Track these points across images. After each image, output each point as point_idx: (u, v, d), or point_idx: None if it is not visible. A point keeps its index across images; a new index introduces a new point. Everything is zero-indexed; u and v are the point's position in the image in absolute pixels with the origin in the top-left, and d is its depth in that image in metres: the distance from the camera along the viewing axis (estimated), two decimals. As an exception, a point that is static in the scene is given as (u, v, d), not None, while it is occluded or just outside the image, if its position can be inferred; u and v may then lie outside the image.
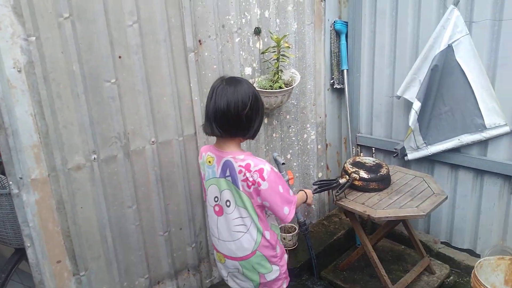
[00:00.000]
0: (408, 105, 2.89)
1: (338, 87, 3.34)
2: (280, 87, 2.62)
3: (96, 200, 2.15)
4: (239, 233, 1.84)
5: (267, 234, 1.86)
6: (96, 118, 2.06)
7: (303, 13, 2.98)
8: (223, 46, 2.52)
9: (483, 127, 2.64)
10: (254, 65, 2.72)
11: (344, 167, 2.80)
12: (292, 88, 2.71)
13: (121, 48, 2.07)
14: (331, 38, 3.23)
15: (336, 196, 2.58)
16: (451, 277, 2.87)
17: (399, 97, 2.97)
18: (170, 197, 2.48)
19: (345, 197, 2.61)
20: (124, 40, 2.07)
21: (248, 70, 2.69)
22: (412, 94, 2.82)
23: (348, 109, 3.36)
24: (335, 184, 2.60)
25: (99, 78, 2.03)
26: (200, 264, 2.75)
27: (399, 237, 3.27)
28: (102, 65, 2.02)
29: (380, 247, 3.18)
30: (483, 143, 2.71)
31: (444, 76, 2.69)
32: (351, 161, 2.84)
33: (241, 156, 1.75)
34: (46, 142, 1.91)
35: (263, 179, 1.69)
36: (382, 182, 2.69)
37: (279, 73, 2.65)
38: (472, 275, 2.11)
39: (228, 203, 1.82)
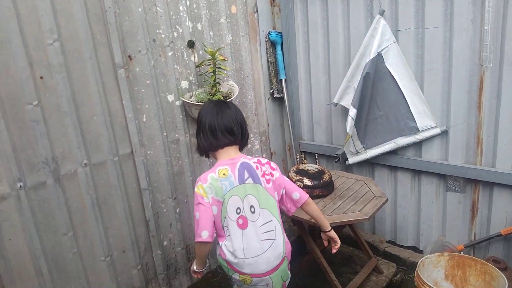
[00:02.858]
0: (345, 111, 2.95)
1: (278, 96, 3.37)
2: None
3: (26, 230, 2.01)
4: (269, 241, 1.88)
5: (285, 237, 1.97)
6: (19, 144, 1.93)
7: (237, 25, 2.98)
8: (155, 60, 2.45)
9: (416, 130, 2.75)
10: (191, 78, 2.68)
11: (288, 175, 2.81)
12: (231, 100, 2.70)
13: (42, 68, 1.96)
14: (267, 48, 3.26)
15: (281, 205, 2.58)
16: (398, 275, 2.95)
17: (335, 104, 3.03)
18: (110, 221, 2.38)
19: (291, 206, 2.62)
20: (45, 59, 1.96)
21: (184, 84, 2.64)
22: (348, 101, 2.89)
23: (289, 117, 3.40)
24: (279, 194, 2.61)
25: (19, 101, 1.90)
26: (147, 286, 2.65)
27: (347, 240, 3.33)
28: (22, 87, 1.90)
29: (329, 250, 3.21)
30: (418, 145, 2.82)
31: (376, 83, 2.78)
32: (294, 169, 2.87)
33: (249, 156, 1.98)
34: (-38, 173, 1.77)
35: (274, 169, 1.97)
36: (325, 188, 2.73)
37: (217, 86, 2.63)
38: (415, 274, 2.17)
39: (252, 209, 1.87)
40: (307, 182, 2.69)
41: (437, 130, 2.67)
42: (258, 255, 1.85)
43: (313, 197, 2.67)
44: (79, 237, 2.24)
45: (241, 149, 2.04)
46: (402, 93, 2.70)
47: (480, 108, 2.46)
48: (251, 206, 1.87)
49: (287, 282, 2.02)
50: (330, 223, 2.40)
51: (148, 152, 2.50)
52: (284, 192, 1.96)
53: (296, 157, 3.51)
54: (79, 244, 2.25)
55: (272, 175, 1.93)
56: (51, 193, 2.08)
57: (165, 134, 2.57)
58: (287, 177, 2.78)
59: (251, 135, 3.24)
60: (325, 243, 2.15)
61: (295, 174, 2.77)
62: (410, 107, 2.71)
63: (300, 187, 2.64)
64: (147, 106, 2.44)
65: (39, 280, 2.09)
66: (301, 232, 2.75)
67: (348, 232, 3.24)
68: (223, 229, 1.88)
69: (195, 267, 2.01)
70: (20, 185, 1.96)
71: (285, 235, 1.97)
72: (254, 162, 1.93)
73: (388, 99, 2.78)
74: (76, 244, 2.23)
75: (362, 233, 3.25)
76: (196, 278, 2.91)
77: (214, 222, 1.86)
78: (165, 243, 2.69)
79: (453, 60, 2.50)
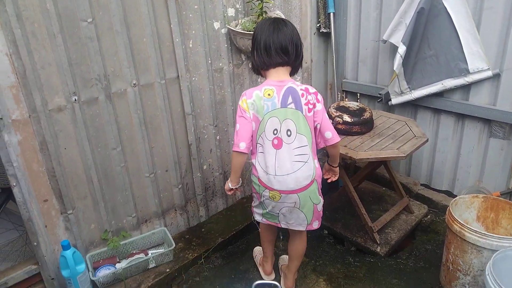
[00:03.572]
0: (394, 49, 2.86)
1: (325, 31, 3.29)
2: (264, 29, 2.58)
3: (79, 141, 2.18)
4: (300, 163, 1.95)
5: (317, 163, 2.04)
6: (75, 59, 2.04)
7: (289, -49, 2.87)
8: (204, -15, 2.45)
9: (467, 72, 2.65)
10: (237, 6, 2.65)
11: (328, 111, 2.82)
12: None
13: (96, -14, 2.02)
14: (317, -22, 3.14)
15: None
16: (429, 216, 3.00)
17: (385, 41, 2.94)
18: (155, 140, 2.52)
19: (328, 141, 2.66)
20: (98, -23, 2.01)
21: (231, 11, 2.63)
22: (398, 38, 2.79)
23: (334, 54, 3.33)
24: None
25: (75, 17, 1.99)
26: (187, 204, 2.84)
27: (380, 180, 3.37)
28: (78, 4, 1.97)
29: (362, 189, 3.29)
30: (466, 88, 2.73)
31: (430, 20, 2.65)
32: (335, 105, 2.87)
33: (298, 82, 1.97)
34: (24, 82, 1.91)
35: (318, 101, 1.95)
36: (365, 126, 2.73)
37: (263, 15, 2.59)
38: (447, 211, 2.20)
39: (288, 132, 1.92)
40: (346, 118, 2.69)
41: (489, 73, 2.56)
42: (288, 174, 1.94)
43: (351, 133, 2.70)
44: (126, 152, 2.41)
45: (293, 72, 2.02)
46: (457, 32, 2.58)
47: (539, 51, 2.33)
48: (288, 130, 1.92)
49: (319, 207, 2.10)
50: (366, 158, 2.45)
51: (193, 78, 2.57)
52: (319, 126, 1.97)
53: (337, 96, 3.48)
54: (127, 159, 2.42)
55: (314, 106, 1.93)
56: (102, 109, 2.22)
57: (209, 62, 2.62)
58: (327, 113, 2.80)
59: (294, 70, 3.22)
60: (326, 175, 2.23)
61: (335, 110, 2.78)
62: (463, 47, 2.59)
63: (339, 123, 2.69)
64: (193, 32, 2.47)
65: (89, 187, 2.30)
66: (336, 166, 2.80)
67: (382, 172, 3.27)
68: (257, 146, 1.98)
69: (229, 184, 2.12)
70: (75, 99, 2.10)
71: (317, 162, 2.04)
72: (301, 89, 1.92)
73: (441, 37, 2.66)
74: (123, 159, 2.40)
75: (396, 174, 3.26)
76: (231, 202, 3.10)
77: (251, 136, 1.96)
78: (204, 167, 2.84)
79: (516, -3, 2.33)
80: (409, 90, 2.92)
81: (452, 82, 2.73)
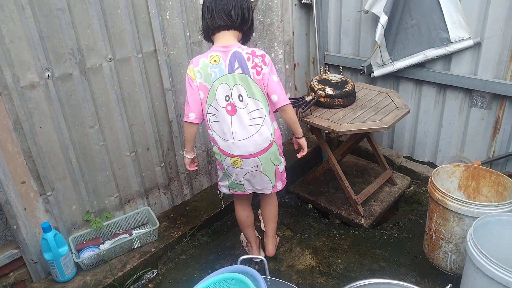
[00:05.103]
0: (376, 21, 2.82)
1: (306, 2, 3.22)
2: None
3: (55, 120, 2.10)
4: (256, 126, 1.96)
5: (275, 124, 2.05)
6: (46, 32, 1.94)
7: None
8: (179, -48, 2.34)
9: (448, 41, 2.64)
10: (216, -24, 2.56)
11: (310, 84, 2.79)
12: (257, 2, 2.60)
13: (65, -47, 1.91)
14: None
15: (302, 113, 2.60)
16: (412, 187, 3.03)
17: (367, 12, 2.90)
18: (134, 118, 2.45)
19: (311, 114, 2.64)
20: None
21: (209, -18, 2.53)
22: (380, 8, 2.75)
23: (316, 26, 3.27)
24: (301, 102, 2.61)
25: (43, -13, 1.88)
26: (170, 183, 2.80)
27: (364, 153, 3.38)
28: (46, -27, 1.87)
29: (345, 162, 3.30)
30: (447, 58, 2.73)
31: (411, -12, 2.62)
32: (317, 78, 2.83)
33: (244, 46, 1.93)
34: (-8, 58, 1.81)
35: (265, 64, 1.91)
36: (347, 98, 2.72)
37: (243, -14, 2.51)
38: (429, 181, 2.21)
39: (240, 98, 1.91)
40: (329, 91, 2.67)
41: (470, 42, 2.55)
42: (246, 138, 1.96)
43: (334, 106, 2.68)
44: (105, 131, 2.34)
45: (245, 39, 2.01)
46: (438, 1, 2.55)
47: (520, 18, 2.32)
48: (240, 95, 1.91)
49: (280, 167, 2.13)
50: (349, 131, 2.44)
51: (171, 52, 2.49)
52: (266, 90, 1.95)
53: (320, 70, 3.45)
54: (106, 138, 2.35)
55: (261, 68, 1.90)
56: (77, 85, 2.14)
57: (188, 34, 2.54)
58: (309, 86, 2.77)
59: (275, 44, 3.16)
60: (295, 146, 2.22)
61: (317, 83, 2.74)
62: (445, 16, 2.57)
63: (321, 96, 2.66)
64: (170, 2, 2.37)
65: (68, 167, 2.24)
66: (318, 139, 2.79)
67: (364, 145, 3.29)
68: (207, 115, 1.98)
69: (187, 156, 2.13)
70: (48, 75, 2.01)
71: (275, 123, 2.05)
72: (247, 53, 1.89)
73: (422, 6, 2.63)
74: (102, 138, 2.33)
75: (379, 147, 3.28)
76: (215, 179, 3.06)
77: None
78: (187, 144, 2.78)
79: (498, -36, 2.31)
80: (391, 61, 2.90)
81: (434, 52, 2.72)
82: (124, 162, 2.49)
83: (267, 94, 1.96)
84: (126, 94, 2.35)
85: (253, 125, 1.95)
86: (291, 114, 2.03)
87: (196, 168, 2.21)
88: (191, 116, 1.95)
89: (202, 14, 1.93)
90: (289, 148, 3.38)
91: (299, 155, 2.19)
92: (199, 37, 2.59)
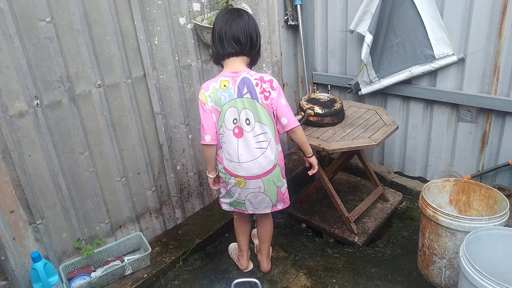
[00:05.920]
0: (361, 40, 2.88)
1: (293, 23, 3.28)
2: (231, 24, 2.54)
3: (44, 147, 2.09)
4: (262, 149, 2.03)
5: (279, 147, 2.13)
6: (34, 60, 1.95)
7: None
8: (166, -21, 2.38)
9: (432, 58, 2.69)
10: (203, 0, 2.60)
11: (299, 104, 2.82)
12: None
13: (53, -16, 1.93)
14: (282, -29, 3.12)
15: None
16: (403, 203, 3.04)
17: (352, 31, 2.95)
18: (124, 142, 2.44)
19: (301, 133, 2.65)
20: (56, -25, 1.92)
21: (196, 6, 2.57)
22: (364, 27, 2.81)
23: (303, 46, 3.33)
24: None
25: (32, 16, 1.89)
26: (162, 207, 2.78)
27: (355, 170, 3.40)
28: (34, 3, 1.88)
29: (337, 180, 3.30)
30: (433, 74, 2.78)
31: (394, 8, 2.68)
32: (306, 97, 2.86)
33: (253, 72, 2.01)
34: (-20, 88, 1.80)
35: (273, 89, 1.99)
36: (336, 117, 2.74)
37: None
38: (420, 197, 2.22)
39: (247, 121, 1.99)
40: (318, 110, 2.69)
41: (454, 58, 2.61)
42: (251, 160, 2.03)
43: (323, 125, 2.70)
44: (95, 157, 2.32)
45: (252, 63, 2.08)
46: (421, 19, 2.62)
47: (501, 34, 2.38)
48: (247, 119, 1.99)
49: (282, 189, 2.18)
50: (339, 149, 2.46)
51: (161, 76, 2.50)
52: (275, 113, 2.03)
53: (309, 89, 3.48)
54: (96, 164, 2.34)
55: (269, 93, 1.98)
56: (67, 112, 2.13)
57: (177, 58, 2.56)
58: (299, 106, 2.80)
59: (264, 65, 3.20)
60: (307, 164, 2.27)
61: (306, 103, 2.77)
62: (428, 33, 2.63)
63: (310, 115, 2.68)
64: (158, 28, 2.40)
65: (58, 195, 2.21)
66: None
67: (356, 162, 3.30)
68: (218, 136, 2.04)
69: (209, 175, 2.19)
70: (37, 103, 2.00)
71: (279, 146, 2.12)
72: (256, 79, 1.97)
73: (406, 25, 2.70)
74: (92, 164, 2.31)
75: (370, 163, 3.30)
76: (208, 201, 3.05)
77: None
78: (178, 167, 2.78)
79: (477, -18, 2.39)
80: (377, 79, 2.95)
81: (419, 68, 2.77)
82: (114, 187, 2.47)
83: (277, 117, 2.04)
84: (115, 119, 2.35)
85: (258, 148, 2.02)
86: (301, 135, 2.11)
87: (219, 186, 2.25)
88: (207, 138, 2.01)
89: (212, 40, 2.00)
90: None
91: (310, 173, 2.26)
92: (188, 60, 2.62)
